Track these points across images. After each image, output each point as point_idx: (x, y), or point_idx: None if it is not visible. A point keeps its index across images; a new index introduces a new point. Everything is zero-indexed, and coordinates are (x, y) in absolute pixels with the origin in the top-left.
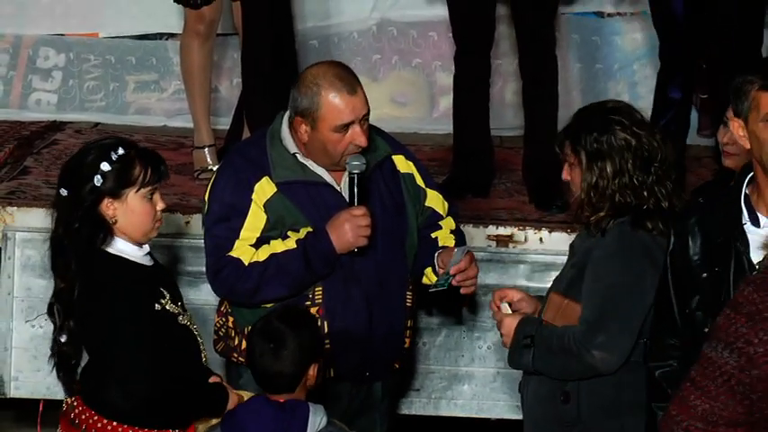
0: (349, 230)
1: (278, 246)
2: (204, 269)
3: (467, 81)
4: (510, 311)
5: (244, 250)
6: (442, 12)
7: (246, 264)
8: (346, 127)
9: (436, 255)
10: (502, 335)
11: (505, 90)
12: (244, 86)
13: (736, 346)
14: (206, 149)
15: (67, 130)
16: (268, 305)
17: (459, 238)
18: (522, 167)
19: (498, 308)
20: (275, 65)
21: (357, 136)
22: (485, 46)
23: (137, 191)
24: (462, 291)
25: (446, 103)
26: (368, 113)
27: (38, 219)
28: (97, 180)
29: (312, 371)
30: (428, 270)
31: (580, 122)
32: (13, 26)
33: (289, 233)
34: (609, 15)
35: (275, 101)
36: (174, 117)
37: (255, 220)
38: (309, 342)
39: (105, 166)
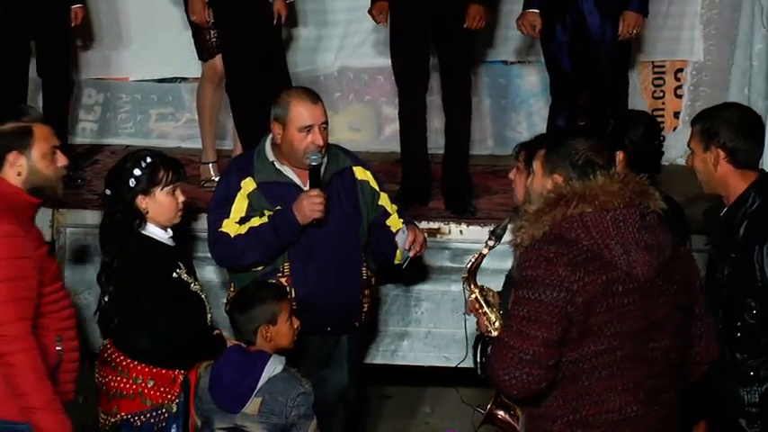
0: (306, 205)
1: (255, 221)
2: (207, 254)
3: (408, 117)
4: None
5: (231, 226)
6: (386, 61)
7: (233, 236)
8: (308, 129)
9: (396, 238)
10: None
11: (433, 120)
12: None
13: (562, 287)
14: (210, 165)
15: (105, 151)
16: (256, 269)
17: (407, 220)
18: (441, 181)
19: None
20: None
21: (316, 137)
22: (421, 90)
23: (161, 188)
24: (415, 252)
25: (390, 129)
26: (326, 122)
27: (82, 218)
28: (132, 182)
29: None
30: (398, 252)
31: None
32: None
33: (265, 211)
34: (511, 63)
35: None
36: (186, 140)
37: (240, 205)
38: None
39: (137, 172)
